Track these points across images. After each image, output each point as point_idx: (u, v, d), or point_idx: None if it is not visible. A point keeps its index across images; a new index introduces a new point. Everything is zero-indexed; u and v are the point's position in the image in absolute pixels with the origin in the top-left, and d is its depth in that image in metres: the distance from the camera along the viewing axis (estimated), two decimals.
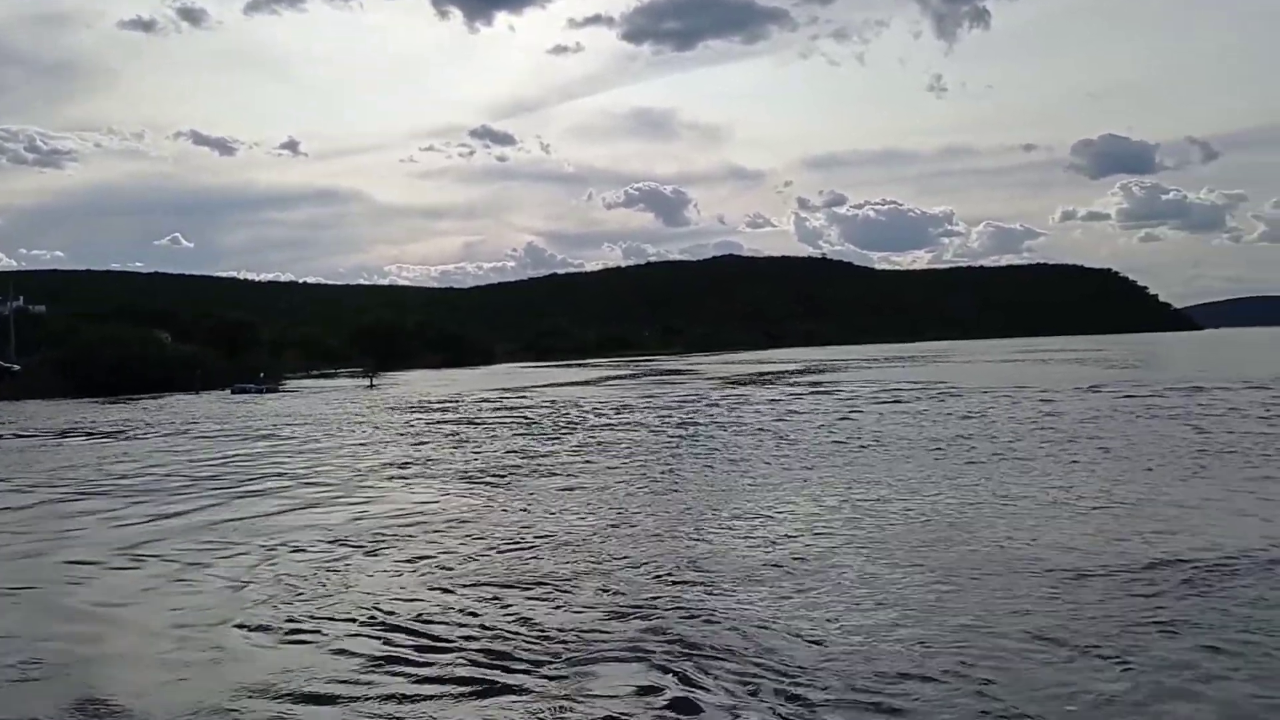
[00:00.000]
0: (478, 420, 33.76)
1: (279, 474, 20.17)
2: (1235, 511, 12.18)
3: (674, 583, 9.56)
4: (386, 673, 7.33)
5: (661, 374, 75.01)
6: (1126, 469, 16.13)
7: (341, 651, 7.88)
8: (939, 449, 19.71)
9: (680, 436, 24.56)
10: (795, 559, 10.35)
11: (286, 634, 8.41)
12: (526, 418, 33.80)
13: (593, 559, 10.78)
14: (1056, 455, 18.15)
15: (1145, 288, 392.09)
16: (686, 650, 7.49)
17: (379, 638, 8.21)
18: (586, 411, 35.77)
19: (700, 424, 27.98)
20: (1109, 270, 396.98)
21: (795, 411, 31.29)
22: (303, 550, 11.96)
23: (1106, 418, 25.13)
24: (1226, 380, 38.61)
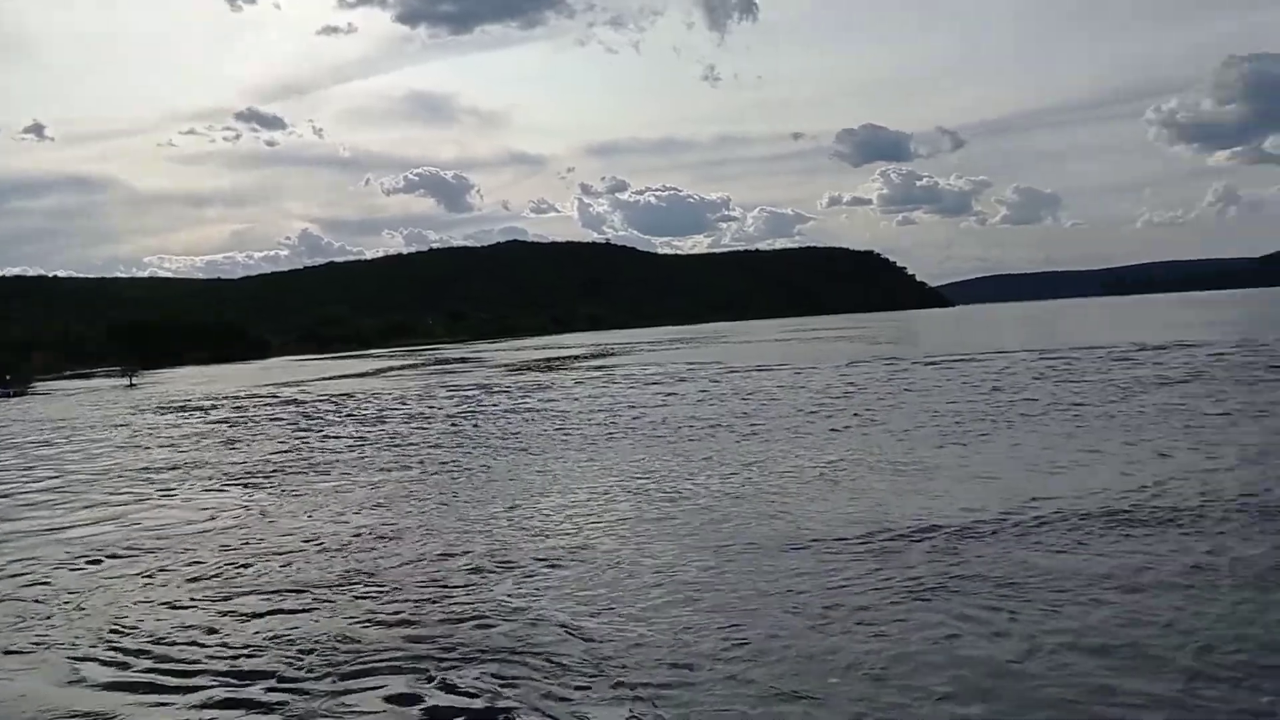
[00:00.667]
0: (247, 418, 31.93)
1: (20, 486, 18.29)
2: (983, 476, 12.99)
3: (447, 584, 9.21)
4: (122, 702, 6.64)
5: (447, 363, 73.60)
6: (886, 439, 16.98)
7: (74, 681, 7.11)
8: (716, 427, 20.15)
9: (462, 426, 24.04)
10: (577, 549, 10.22)
11: (6, 665, 7.52)
12: (301, 414, 32.24)
13: (362, 562, 10.27)
14: (823, 428, 18.91)
15: (904, 268, 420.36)
16: (453, 654, 7.19)
17: (116, 662, 7.47)
18: (366, 404, 34.53)
19: (484, 412, 27.52)
20: (872, 252, 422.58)
21: (580, 396, 31.33)
22: (37, 568, 10.81)
23: (867, 390, 26.51)
24: (974, 352, 41.72)
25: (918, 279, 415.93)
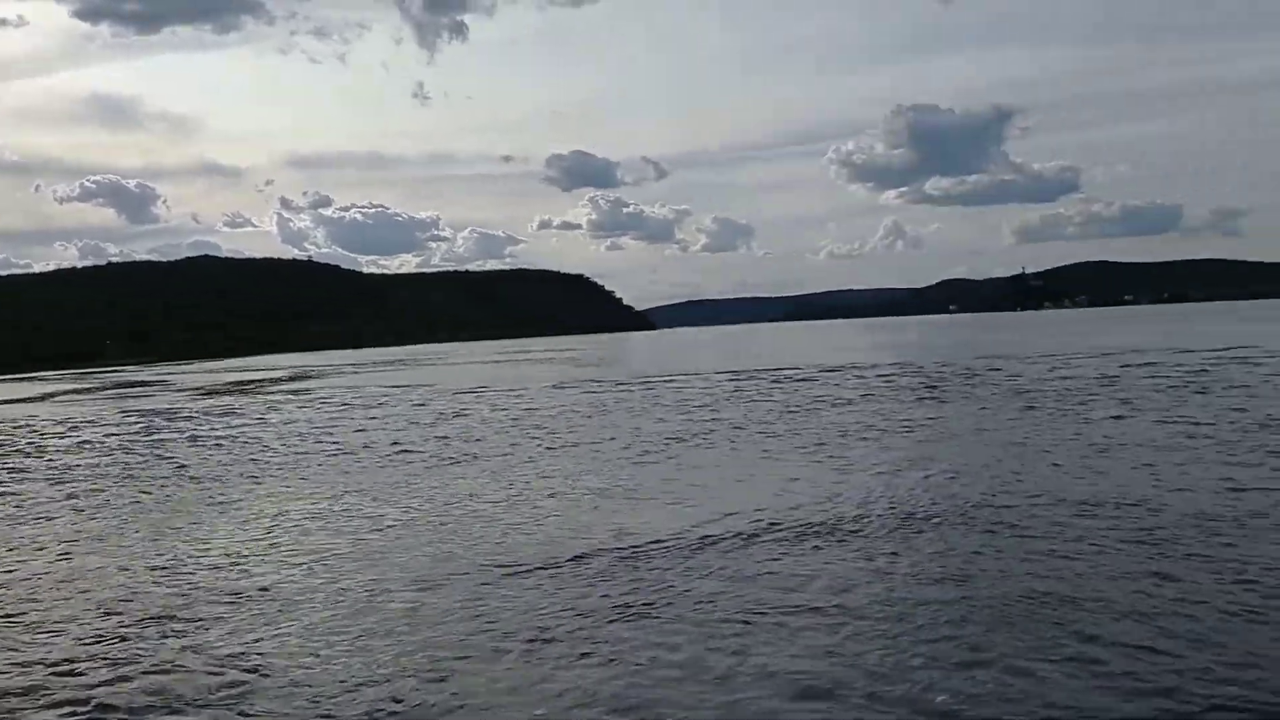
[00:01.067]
0: None
1: None
2: (680, 496, 13.42)
3: (120, 631, 8.32)
4: None
5: (128, 386, 67.38)
6: (591, 460, 17.29)
7: None
8: (418, 453, 19.69)
9: (139, 456, 22.02)
10: (268, 586, 9.54)
11: None
12: None
13: (24, 610, 9.08)
14: (528, 451, 18.98)
15: (612, 291, 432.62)
16: (130, 706, 6.48)
17: None
18: (29, 435, 30.85)
19: (165, 441, 25.37)
20: (582, 275, 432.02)
21: (274, 422, 29.63)
22: None
23: (573, 411, 26.94)
24: (676, 373, 43.62)
25: (625, 302, 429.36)
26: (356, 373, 71.45)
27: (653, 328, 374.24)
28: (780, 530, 10.68)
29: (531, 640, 7.51)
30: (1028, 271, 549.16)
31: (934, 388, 29.70)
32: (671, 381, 38.74)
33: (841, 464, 15.29)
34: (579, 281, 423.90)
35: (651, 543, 10.45)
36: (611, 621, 7.87)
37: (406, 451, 19.98)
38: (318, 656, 7.38)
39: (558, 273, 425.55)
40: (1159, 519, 10.29)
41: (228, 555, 11.10)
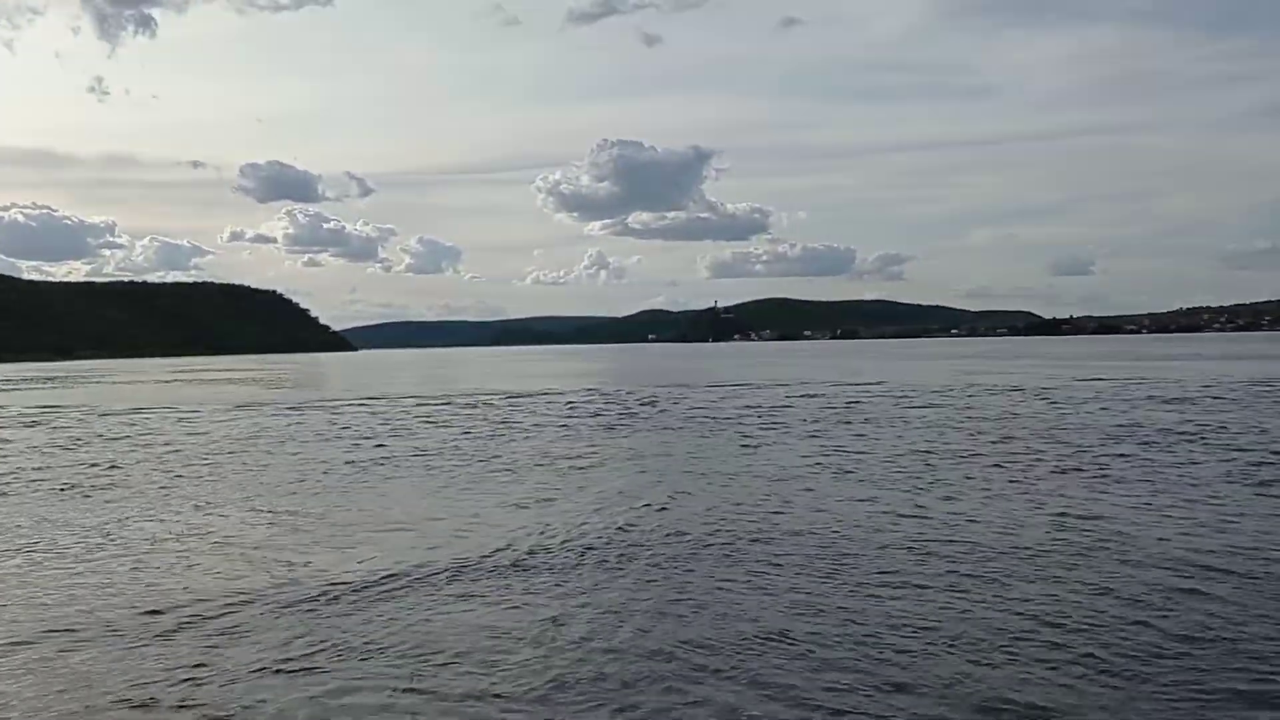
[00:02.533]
0: None
1: None
2: (344, 534, 12.54)
3: None
4: None
5: None
6: (265, 493, 15.98)
7: None
8: (45, 483, 17.44)
9: None
10: None
11: None
12: None
13: None
14: (194, 481, 17.34)
15: (308, 310, 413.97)
16: None
17: None
18: None
19: None
20: (274, 291, 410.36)
21: None
22: None
23: (246, 437, 25.11)
24: (370, 396, 42.07)
25: (322, 321, 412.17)
26: (3, 390, 63.46)
27: (351, 348, 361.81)
28: (449, 569, 10.08)
29: (182, 699, 6.60)
30: (720, 305, 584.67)
31: (628, 414, 30.40)
32: (364, 405, 37.25)
33: (524, 495, 15.02)
34: (271, 298, 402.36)
35: (330, 584, 9.54)
36: (273, 673, 7.08)
37: (48, 482, 17.64)
38: None
39: (249, 288, 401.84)
40: (811, 540, 10.81)
41: None
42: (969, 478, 15.70)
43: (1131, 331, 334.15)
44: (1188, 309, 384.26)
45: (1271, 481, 14.64)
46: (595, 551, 10.82)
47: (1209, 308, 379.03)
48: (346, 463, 19.47)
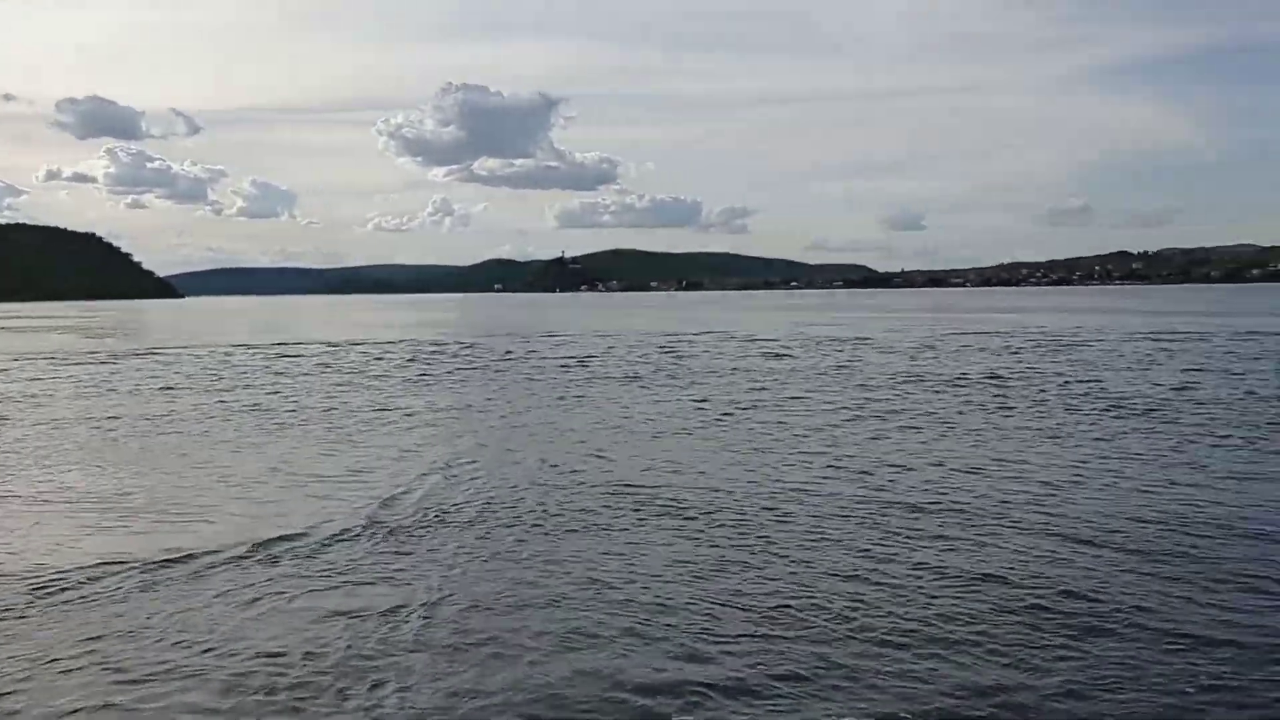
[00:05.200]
0: None
1: None
2: (146, 505, 11.53)
3: None
4: None
5: None
6: (45, 454, 15.42)
7: None
8: None
9: None
10: None
11: None
12: None
13: None
14: None
15: (130, 255, 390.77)
16: None
17: None
18: None
19: None
20: (94, 235, 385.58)
21: None
22: None
23: (46, 393, 23.95)
24: (198, 345, 40.46)
25: (146, 267, 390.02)
26: None
27: (178, 295, 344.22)
28: (268, 543, 9.09)
29: None
30: (568, 255, 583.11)
31: (471, 366, 30.40)
32: (182, 354, 35.85)
33: (364, 454, 14.26)
34: (92, 242, 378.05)
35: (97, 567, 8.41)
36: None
37: None
38: None
39: (67, 231, 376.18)
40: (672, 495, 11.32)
41: None
42: (762, 423, 16.62)
43: (958, 285, 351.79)
44: (1009, 264, 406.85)
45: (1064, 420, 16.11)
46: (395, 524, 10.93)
47: (1028, 263, 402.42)
48: (146, 418, 18.86)
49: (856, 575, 7.83)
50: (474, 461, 13.31)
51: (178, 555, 8.58)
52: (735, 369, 27.49)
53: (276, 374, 27.64)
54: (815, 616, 6.93)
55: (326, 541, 9.08)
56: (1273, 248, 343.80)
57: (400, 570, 8.20)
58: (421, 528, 9.59)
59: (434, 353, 36.63)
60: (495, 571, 8.15)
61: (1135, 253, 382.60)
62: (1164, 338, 38.33)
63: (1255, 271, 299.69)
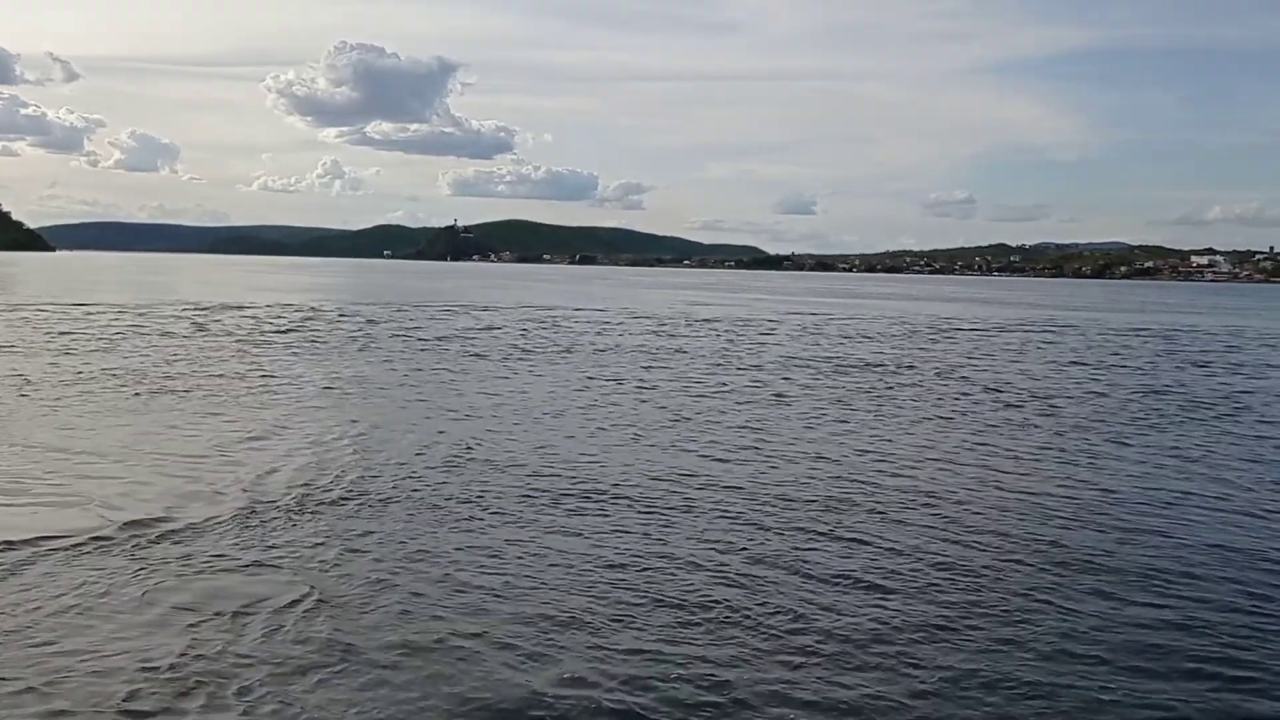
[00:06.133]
0: None
1: None
2: None
3: None
4: None
5: None
6: None
7: None
8: None
9: None
10: None
11: None
12: None
13: None
14: None
15: None
16: None
17: None
18: None
19: None
20: None
21: None
22: None
23: None
24: (70, 302, 38.46)
25: (14, 217, 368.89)
26: None
27: (49, 249, 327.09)
28: (127, 525, 8.63)
29: None
30: (460, 224, 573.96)
31: (352, 335, 29.60)
32: (43, 313, 33.99)
33: (232, 430, 13.60)
34: None
35: None
36: None
37: None
38: None
39: None
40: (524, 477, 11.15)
41: None
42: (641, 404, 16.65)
43: (844, 269, 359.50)
44: (895, 251, 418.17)
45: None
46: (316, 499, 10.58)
47: (913, 251, 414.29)
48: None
49: (722, 568, 7.83)
50: (347, 440, 12.79)
51: (2, 544, 7.81)
52: (622, 346, 27.49)
53: (143, 336, 26.42)
54: (697, 617, 6.87)
55: (177, 530, 8.39)
56: (1140, 246, 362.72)
57: (255, 564, 7.65)
58: (284, 515, 8.96)
59: (315, 320, 35.58)
60: (357, 567, 7.70)
61: (1014, 245, 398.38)
62: (1034, 328, 39.99)
63: (1123, 269, 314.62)
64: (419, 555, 8.03)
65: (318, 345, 26.05)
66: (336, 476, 10.62)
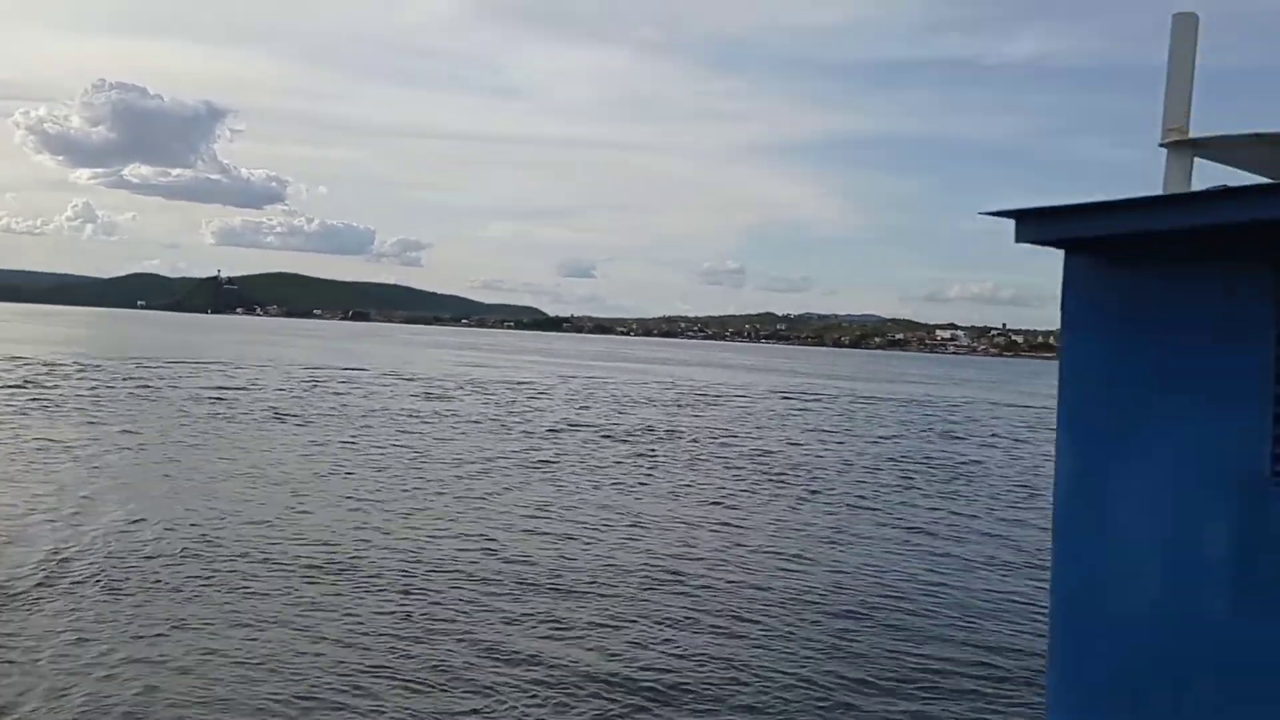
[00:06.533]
0: None
1: None
2: None
3: None
4: None
5: None
6: None
7: None
8: None
9: None
10: None
11: None
12: None
13: None
14: None
15: None
16: None
17: None
18: None
19: None
20: None
21: None
22: None
23: None
24: None
25: None
26: None
27: None
28: None
29: None
30: (224, 274, 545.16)
31: (95, 393, 27.25)
32: None
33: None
34: None
35: None
36: None
37: None
38: None
39: None
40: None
41: None
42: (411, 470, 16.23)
43: (623, 333, 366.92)
44: (670, 316, 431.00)
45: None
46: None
47: (685, 317, 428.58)
48: None
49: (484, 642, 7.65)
50: (79, 512, 11.87)
51: None
52: (388, 410, 26.68)
53: None
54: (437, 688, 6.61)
55: None
56: (892, 319, 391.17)
57: None
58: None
59: (52, 375, 32.51)
60: (81, 651, 7.14)
61: (780, 314, 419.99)
62: (795, 396, 42.03)
63: (877, 340, 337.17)
64: (149, 634, 7.56)
65: (56, 404, 23.80)
66: (56, 552, 9.82)
